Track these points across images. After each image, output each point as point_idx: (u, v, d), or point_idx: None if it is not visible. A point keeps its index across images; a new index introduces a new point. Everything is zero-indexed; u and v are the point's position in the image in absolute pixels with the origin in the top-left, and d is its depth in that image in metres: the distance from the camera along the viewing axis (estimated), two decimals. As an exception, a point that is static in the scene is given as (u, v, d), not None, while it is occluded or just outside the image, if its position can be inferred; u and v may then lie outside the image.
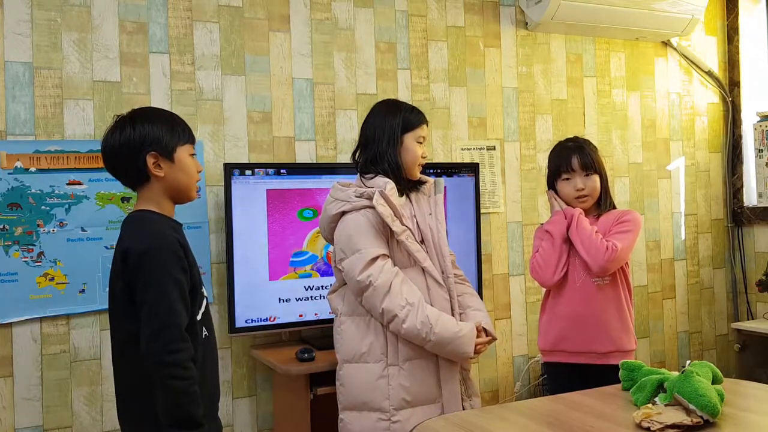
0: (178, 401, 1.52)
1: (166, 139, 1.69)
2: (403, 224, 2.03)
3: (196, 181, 1.76)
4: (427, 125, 2.18)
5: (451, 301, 2.11)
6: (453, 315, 2.10)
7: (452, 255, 2.26)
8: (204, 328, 1.70)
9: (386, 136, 2.11)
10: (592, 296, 2.32)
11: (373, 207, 1.98)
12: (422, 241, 2.13)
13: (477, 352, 2.06)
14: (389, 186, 2.03)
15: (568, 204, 2.39)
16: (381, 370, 2.02)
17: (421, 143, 2.14)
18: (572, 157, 2.35)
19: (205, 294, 1.76)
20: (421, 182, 2.22)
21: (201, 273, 1.75)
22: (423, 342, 1.98)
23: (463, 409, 2.08)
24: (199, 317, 1.68)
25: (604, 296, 2.33)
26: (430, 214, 2.16)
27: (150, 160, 1.67)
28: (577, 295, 2.34)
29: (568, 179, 2.37)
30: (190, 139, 1.75)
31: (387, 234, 2.04)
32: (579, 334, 2.32)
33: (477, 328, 2.08)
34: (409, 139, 2.12)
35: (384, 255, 2.01)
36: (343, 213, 2.05)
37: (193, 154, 1.76)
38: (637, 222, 2.33)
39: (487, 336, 2.11)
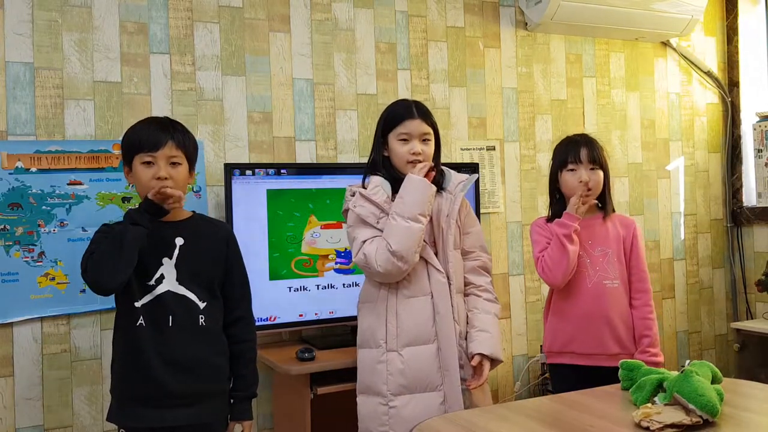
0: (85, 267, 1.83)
1: (125, 151, 1.90)
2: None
3: (154, 187, 1.82)
4: (413, 119, 2.08)
5: (449, 285, 2.10)
6: (451, 297, 2.09)
7: (478, 260, 2.23)
8: (142, 317, 1.85)
9: (375, 140, 2.18)
10: (603, 297, 2.31)
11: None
12: (434, 242, 2.13)
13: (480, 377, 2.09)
14: (371, 185, 2.09)
15: (570, 197, 2.35)
16: (380, 355, 2.06)
17: (406, 140, 2.09)
18: (581, 149, 2.35)
19: (163, 289, 1.87)
20: (444, 179, 2.19)
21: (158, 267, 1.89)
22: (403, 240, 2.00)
23: (464, 395, 2.07)
24: (138, 304, 1.85)
25: (614, 298, 2.32)
26: (448, 215, 2.13)
27: (125, 171, 1.93)
28: (588, 296, 2.32)
29: (573, 170, 2.34)
30: (144, 147, 1.85)
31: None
32: (589, 335, 2.30)
33: (476, 363, 2.08)
34: (392, 139, 2.12)
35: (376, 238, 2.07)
36: (346, 211, 2.15)
37: (150, 162, 1.85)
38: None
39: (492, 362, 2.11)
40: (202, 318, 1.90)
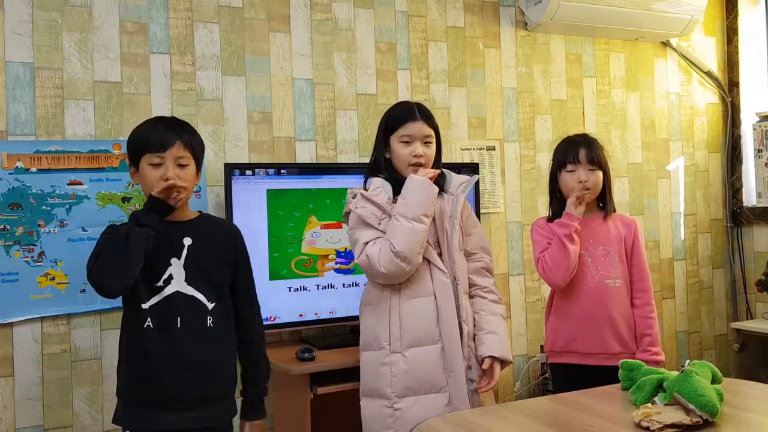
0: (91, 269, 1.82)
1: (131, 151, 1.88)
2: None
3: (161, 188, 1.80)
4: (416, 121, 2.09)
5: (456, 285, 2.09)
6: (458, 298, 2.08)
7: (481, 261, 2.23)
8: (150, 319, 1.83)
9: (376, 141, 2.18)
10: (605, 296, 2.32)
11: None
12: (438, 242, 2.12)
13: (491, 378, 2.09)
14: (372, 186, 2.09)
15: (569, 197, 2.36)
16: (384, 357, 2.05)
17: (407, 143, 2.09)
18: (580, 149, 2.35)
19: (172, 290, 1.85)
20: (445, 180, 2.18)
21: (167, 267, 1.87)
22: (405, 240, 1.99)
23: (470, 398, 2.06)
24: (146, 306, 1.84)
25: (616, 297, 2.33)
26: (451, 216, 2.12)
27: (131, 171, 1.91)
28: (590, 295, 2.32)
29: (572, 171, 2.35)
30: (151, 148, 1.83)
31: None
32: (591, 334, 2.31)
33: (488, 365, 2.07)
34: (394, 141, 2.11)
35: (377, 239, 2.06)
36: (347, 214, 2.14)
37: (158, 164, 1.83)
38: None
39: (502, 363, 2.10)
40: (210, 319, 1.89)
